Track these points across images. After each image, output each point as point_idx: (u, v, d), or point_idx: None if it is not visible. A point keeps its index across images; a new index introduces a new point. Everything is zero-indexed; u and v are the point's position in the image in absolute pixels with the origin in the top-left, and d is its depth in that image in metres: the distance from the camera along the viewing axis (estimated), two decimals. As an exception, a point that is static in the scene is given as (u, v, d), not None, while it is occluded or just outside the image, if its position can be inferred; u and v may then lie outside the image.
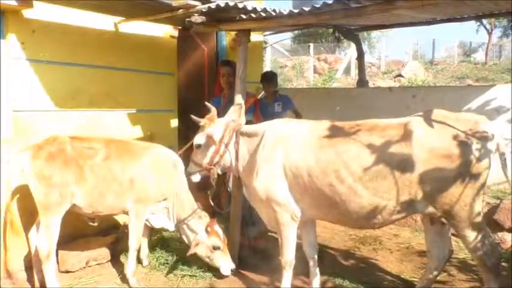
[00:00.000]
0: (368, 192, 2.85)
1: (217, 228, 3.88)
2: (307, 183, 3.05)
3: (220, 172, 3.62)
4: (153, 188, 3.80)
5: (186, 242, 3.96)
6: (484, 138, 2.75)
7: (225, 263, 3.84)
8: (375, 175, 2.83)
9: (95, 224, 3.90)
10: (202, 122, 3.48)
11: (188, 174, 3.75)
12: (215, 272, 3.99)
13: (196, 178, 3.68)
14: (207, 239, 3.81)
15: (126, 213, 3.86)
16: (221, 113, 4.58)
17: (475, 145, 2.73)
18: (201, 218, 3.90)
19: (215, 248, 3.81)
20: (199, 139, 3.57)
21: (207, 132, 3.45)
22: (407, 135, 2.83)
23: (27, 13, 4.01)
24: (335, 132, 3.06)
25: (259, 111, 5.22)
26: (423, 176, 2.77)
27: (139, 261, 4.09)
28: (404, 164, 2.79)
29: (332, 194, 2.95)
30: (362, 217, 2.95)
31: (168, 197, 3.89)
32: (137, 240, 3.82)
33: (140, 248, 4.02)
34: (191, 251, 3.77)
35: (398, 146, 2.82)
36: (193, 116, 3.51)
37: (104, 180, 3.63)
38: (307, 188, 3.06)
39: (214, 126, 3.47)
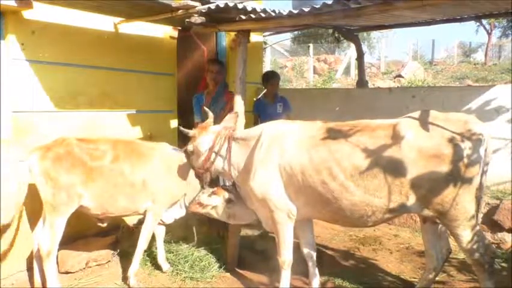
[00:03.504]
0: (359, 190, 2.90)
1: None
2: (301, 182, 3.09)
3: (213, 176, 3.67)
4: (170, 189, 3.85)
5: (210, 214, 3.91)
6: (474, 138, 2.76)
7: (246, 209, 3.74)
8: (365, 173, 2.87)
9: (104, 224, 3.91)
10: (191, 133, 3.59)
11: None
12: (216, 273, 4.00)
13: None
14: (218, 199, 3.75)
15: (139, 214, 3.91)
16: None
17: (465, 144, 2.75)
18: (206, 189, 3.86)
19: (229, 202, 3.73)
20: (189, 147, 3.69)
21: (194, 144, 3.57)
22: (396, 136, 2.86)
23: (26, 14, 4.01)
24: (327, 132, 3.11)
25: (255, 111, 5.29)
26: (413, 175, 2.79)
27: (158, 267, 4.14)
28: (393, 164, 2.83)
29: (325, 192, 3.00)
30: (354, 215, 2.99)
31: (184, 193, 3.95)
32: (146, 240, 3.86)
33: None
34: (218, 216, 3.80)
35: (387, 146, 2.85)
36: (181, 129, 3.64)
37: (115, 181, 3.65)
38: (302, 187, 3.11)
39: (203, 136, 3.55)
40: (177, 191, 3.91)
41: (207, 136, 3.55)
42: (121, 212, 3.84)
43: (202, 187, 3.80)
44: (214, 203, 3.73)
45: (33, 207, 3.76)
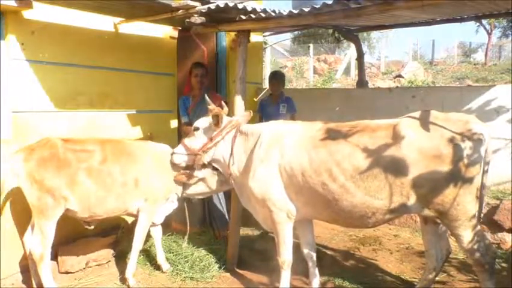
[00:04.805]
0: (360, 191, 2.89)
1: None
2: (301, 183, 3.09)
3: (206, 162, 3.63)
4: (162, 186, 3.82)
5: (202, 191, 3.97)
6: (474, 138, 2.76)
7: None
8: (366, 175, 2.86)
9: (92, 227, 3.86)
10: (212, 106, 3.50)
11: (172, 153, 3.75)
12: (216, 273, 4.00)
13: (178, 159, 3.69)
14: (206, 170, 3.78)
15: (129, 214, 3.88)
16: (191, 113, 4.69)
17: (465, 144, 2.75)
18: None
19: (216, 169, 3.76)
20: (201, 122, 3.65)
21: (221, 113, 3.48)
22: (396, 136, 2.86)
23: (26, 14, 4.01)
24: (327, 133, 3.11)
25: (258, 111, 5.32)
26: (413, 176, 2.79)
27: (158, 267, 4.13)
28: (394, 164, 2.82)
29: (325, 193, 2.99)
30: (354, 216, 2.99)
31: (175, 191, 3.93)
32: (141, 240, 3.84)
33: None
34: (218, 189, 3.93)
35: (387, 147, 2.85)
36: (206, 96, 3.56)
37: (104, 182, 3.58)
38: (302, 187, 3.11)
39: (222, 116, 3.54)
40: (170, 186, 3.87)
41: (224, 117, 3.55)
42: (110, 214, 3.75)
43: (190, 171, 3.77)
44: (202, 175, 3.75)
45: (23, 210, 3.67)
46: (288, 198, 3.21)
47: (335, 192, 2.96)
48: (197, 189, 3.91)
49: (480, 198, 2.88)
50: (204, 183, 3.87)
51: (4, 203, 3.79)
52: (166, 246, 4.42)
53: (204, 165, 3.69)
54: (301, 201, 3.19)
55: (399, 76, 16.48)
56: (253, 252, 4.38)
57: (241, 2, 3.62)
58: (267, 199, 3.24)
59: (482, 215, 3.53)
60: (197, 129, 3.63)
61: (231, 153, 3.48)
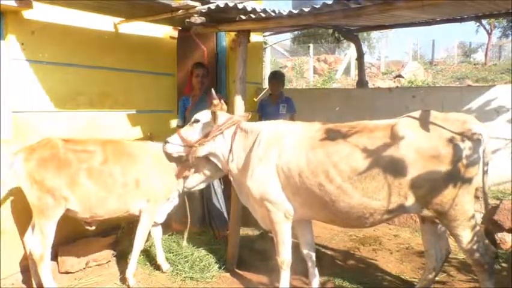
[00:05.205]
0: (357, 193, 2.89)
1: None
2: (298, 184, 3.09)
3: (201, 156, 3.62)
4: (163, 186, 3.82)
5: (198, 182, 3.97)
6: (472, 138, 2.76)
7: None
8: (363, 176, 2.85)
9: (93, 228, 3.84)
10: (217, 101, 3.53)
11: (165, 142, 3.73)
12: (216, 273, 4.01)
13: (171, 149, 3.68)
14: (197, 166, 3.81)
15: (131, 215, 3.87)
16: (189, 113, 4.71)
17: (464, 144, 2.74)
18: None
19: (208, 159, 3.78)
20: (201, 115, 3.66)
21: (210, 113, 3.51)
22: (394, 136, 2.85)
23: (26, 14, 4.01)
24: (325, 134, 3.11)
25: (257, 111, 5.34)
26: (412, 176, 2.79)
27: (158, 267, 4.13)
28: (392, 165, 2.82)
29: (322, 194, 2.99)
30: (352, 217, 2.98)
31: (176, 188, 3.93)
32: (143, 241, 3.84)
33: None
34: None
35: (385, 147, 2.84)
36: (213, 90, 3.59)
37: (105, 183, 3.57)
38: (299, 188, 3.11)
39: (221, 112, 3.58)
40: (171, 186, 3.88)
41: (223, 114, 3.57)
42: (111, 214, 3.73)
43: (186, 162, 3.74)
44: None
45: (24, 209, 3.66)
46: (285, 198, 3.21)
47: (331, 194, 2.95)
48: (196, 180, 3.90)
49: (484, 200, 2.88)
50: (201, 172, 3.86)
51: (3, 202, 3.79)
52: (166, 246, 4.42)
53: (197, 158, 3.68)
54: (298, 201, 3.19)
55: (399, 76, 16.49)
56: (253, 252, 4.38)
57: (241, 2, 3.62)
58: (264, 199, 3.25)
59: (482, 215, 3.52)
60: (197, 121, 3.64)
61: (230, 150, 3.49)
